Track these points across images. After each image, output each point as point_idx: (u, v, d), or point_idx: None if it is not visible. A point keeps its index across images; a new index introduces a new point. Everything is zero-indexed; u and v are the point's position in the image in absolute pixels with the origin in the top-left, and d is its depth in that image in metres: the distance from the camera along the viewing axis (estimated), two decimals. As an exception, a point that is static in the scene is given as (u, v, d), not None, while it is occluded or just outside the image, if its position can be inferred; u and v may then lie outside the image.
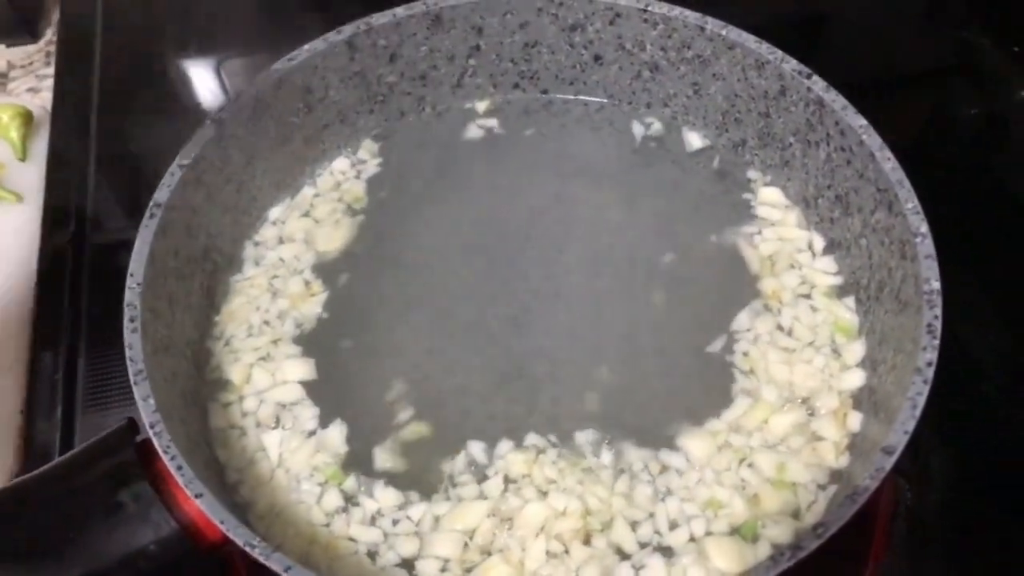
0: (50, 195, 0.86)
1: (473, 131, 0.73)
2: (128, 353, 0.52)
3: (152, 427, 0.49)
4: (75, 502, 0.49)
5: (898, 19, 1.01)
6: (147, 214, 0.57)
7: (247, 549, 0.45)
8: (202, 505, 0.46)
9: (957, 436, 0.68)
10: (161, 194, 0.58)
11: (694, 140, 0.71)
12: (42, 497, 0.49)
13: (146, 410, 0.50)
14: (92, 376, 0.75)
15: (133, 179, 0.89)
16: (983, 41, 0.99)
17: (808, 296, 0.63)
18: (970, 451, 0.68)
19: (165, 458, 0.48)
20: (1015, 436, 0.67)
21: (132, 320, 0.53)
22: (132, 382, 0.51)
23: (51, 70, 0.97)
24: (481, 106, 0.74)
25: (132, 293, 0.54)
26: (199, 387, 0.60)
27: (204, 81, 0.97)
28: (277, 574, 0.57)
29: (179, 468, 0.48)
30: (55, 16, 1.02)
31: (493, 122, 0.73)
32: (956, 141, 0.92)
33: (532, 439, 0.58)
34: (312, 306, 0.64)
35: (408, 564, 0.54)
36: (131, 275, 0.55)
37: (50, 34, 1.01)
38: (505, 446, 0.58)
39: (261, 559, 0.45)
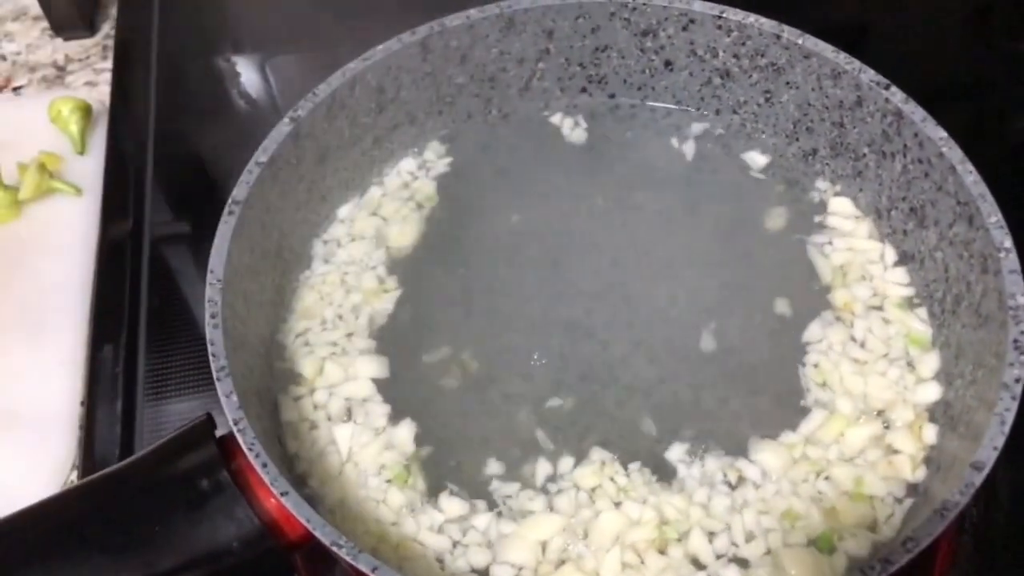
0: (109, 188, 0.87)
1: (538, 134, 0.73)
2: (211, 349, 0.52)
3: (236, 423, 0.49)
4: (159, 495, 0.49)
5: (945, 30, 1.00)
6: (226, 211, 0.57)
7: (334, 549, 0.45)
8: (288, 503, 0.46)
9: (1020, 453, 0.68)
10: (240, 191, 0.58)
11: (758, 156, 0.71)
12: (127, 490, 0.49)
13: (230, 406, 0.50)
14: (152, 369, 0.75)
15: (190, 172, 0.90)
16: (1035, 52, 0.98)
17: (880, 308, 0.63)
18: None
19: (250, 455, 0.48)
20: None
21: (214, 316, 0.53)
22: (216, 378, 0.51)
23: (108, 64, 0.98)
24: (547, 110, 0.74)
25: (213, 289, 0.54)
26: (271, 384, 0.61)
27: (251, 77, 0.98)
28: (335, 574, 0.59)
29: (264, 465, 0.48)
30: (112, 10, 1.03)
31: (558, 126, 0.73)
32: (1007, 152, 0.92)
33: (599, 452, 0.58)
34: (385, 302, 0.64)
35: (480, 572, 0.54)
36: (211, 271, 0.55)
37: (107, 28, 1.01)
38: (571, 459, 0.58)
39: (348, 559, 0.45)
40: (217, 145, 0.91)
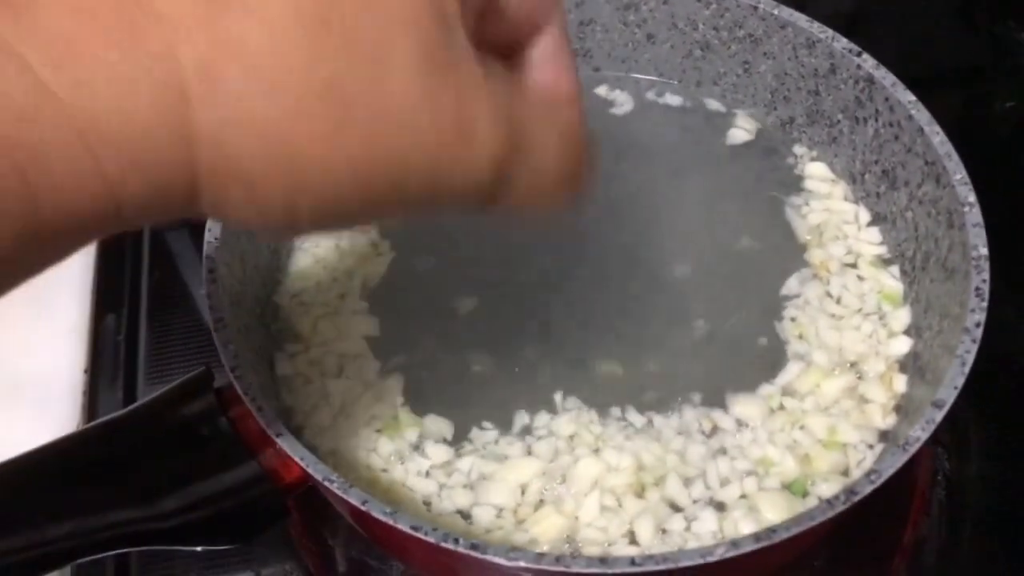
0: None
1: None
2: (209, 302, 0.54)
3: (233, 371, 0.51)
4: (161, 440, 0.51)
5: (933, 15, 1.02)
6: (223, 174, 0.59)
7: (326, 483, 0.47)
8: (283, 444, 0.49)
9: (994, 409, 0.70)
10: (236, 155, 0.60)
11: (742, 123, 0.73)
12: (129, 435, 0.51)
13: (227, 355, 0.52)
14: (153, 339, 0.78)
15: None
16: (1019, 36, 1.00)
17: (854, 266, 0.65)
18: (1007, 423, 0.70)
19: (246, 399, 0.50)
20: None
21: (211, 271, 0.55)
22: (213, 329, 0.53)
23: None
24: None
25: (210, 247, 0.56)
26: (266, 342, 0.63)
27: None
28: (332, 518, 0.61)
29: (259, 409, 0.50)
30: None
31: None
32: (991, 136, 0.94)
33: (574, 402, 0.60)
34: (378, 266, 0.66)
35: (464, 513, 0.57)
36: (209, 230, 0.57)
37: None
38: (553, 407, 0.60)
39: (339, 492, 0.47)
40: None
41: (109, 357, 0.77)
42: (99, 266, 0.82)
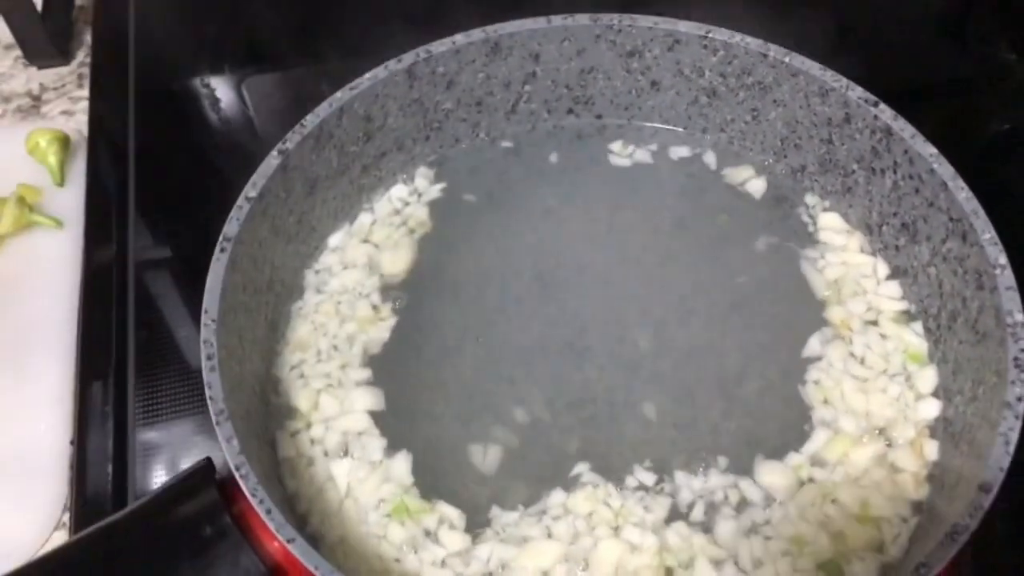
0: (90, 220, 0.85)
1: (527, 157, 0.73)
2: (208, 393, 0.51)
3: (238, 469, 0.48)
4: (162, 544, 0.48)
5: (923, 33, 1.01)
6: (218, 248, 0.56)
7: (343, 596, 0.44)
8: (295, 551, 0.46)
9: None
10: (231, 227, 0.57)
11: (747, 173, 0.71)
12: (129, 539, 0.48)
13: (231, 452, 0.49)
14: (142, 398, 0.74)
15: (173, 199, 0.89)
16: (1010, 56, 0.99)
17: (875, 323, 0.63)
18: None
19: (254, 501, 0.47)
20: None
21: (210, 358, 0.52)
22: (215, 422, 0.50)
23: (84, 92, 0.96)
24: (535, 132, 0.74)
25: (208, 330, 0.53)
26: (267, 421, 0.60)
27: (228, 97, 0.97)
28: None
29: (268, 511, 0.47)
30: (87, 37, 1.01)
31: (546, 148, 0.73)
32: (982, 155, 0.93)
33: (591, 476, 0.58)
34: (380, 330, 0.64)
35: (486, 604, 0.54)
36: (206, 311, 0.54)
37: (82, 55, 1.00)
38: (566, 485, 0.58)
39: (359, 606, 0.44)
40: (198, 168, 0.90)
41: (97, 426, 0.73)
42: (83, 330, 0.78)
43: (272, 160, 0.61)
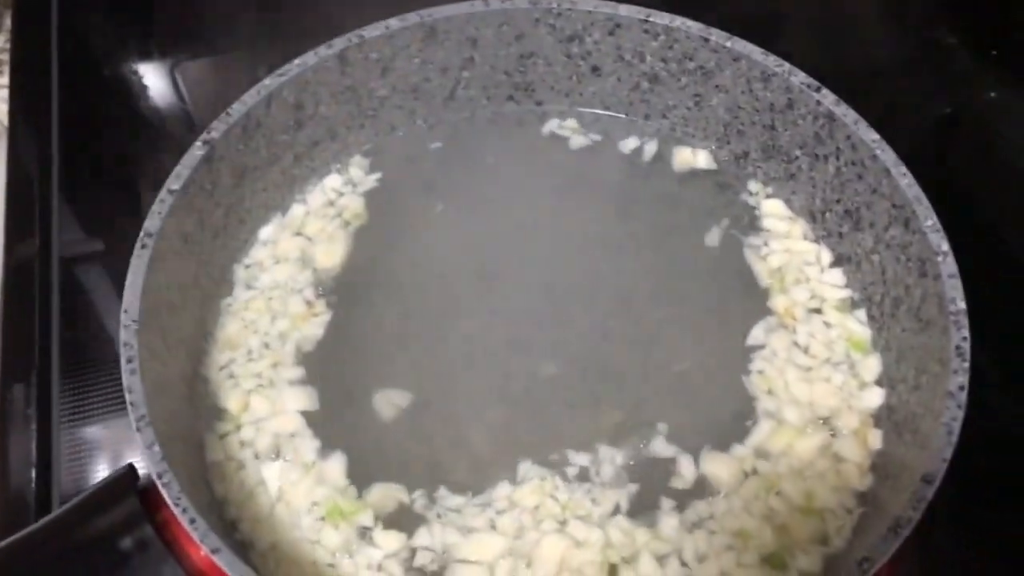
0: (12, 212, 0.82)
1: (466, 145, 0.71)
2: (129, 397, 0.48)
3: (160, 477, 0.46)
4: (79, 557, 0.46)
5: (862, 19, 1.01)
6: (138, 244, 0.54)
7: (271, 609, 0.42)
8: (220, 561, 0.44)
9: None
10: (152, 222, 0.55)
11: (691, 156, 0.69)
12: (43, 552, 0.46)
13: (152, 459, 0.47)
14: (67, 398, 0.71)
15: (99, 188, 0.85)
16: (950, 41, 0.99)
17: (819, 311, 0.62)
18: (968, 449, 0.67)
19: (176, 510, 0.45)
20: (1007, 436, 0.66)
21: (130, 361, 0.50)
22: (135, 428, 0.47)
23: (4, 79, 0.92)
24: (474, 119, 0.72)
25: (128, 332, 0.50)
26: (195, 423, 0.57)
27: (160, 83, 0.93)
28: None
29: (192, 521, 0.45)
30: (6, 20, 0.97)
31: (486, 135, 0.71)
32: (922, 140, 0.92)
33: (537, 470, 0.56)
34: (314, 327, 0.61)
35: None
36: (125, 311, 0.51)
37: (1, 40, 0.96)
38: (510, 478, 0.56)
39: (287, 619, 0.42)
40: (127, 157, 0.87)
41: (19, 431, 0.70)
42: (3, 329, 0.75)
43: (196, 151, 0.58)
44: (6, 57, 0.94)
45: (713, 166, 0.69)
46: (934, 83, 0.95)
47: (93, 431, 0.70)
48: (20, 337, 0.74)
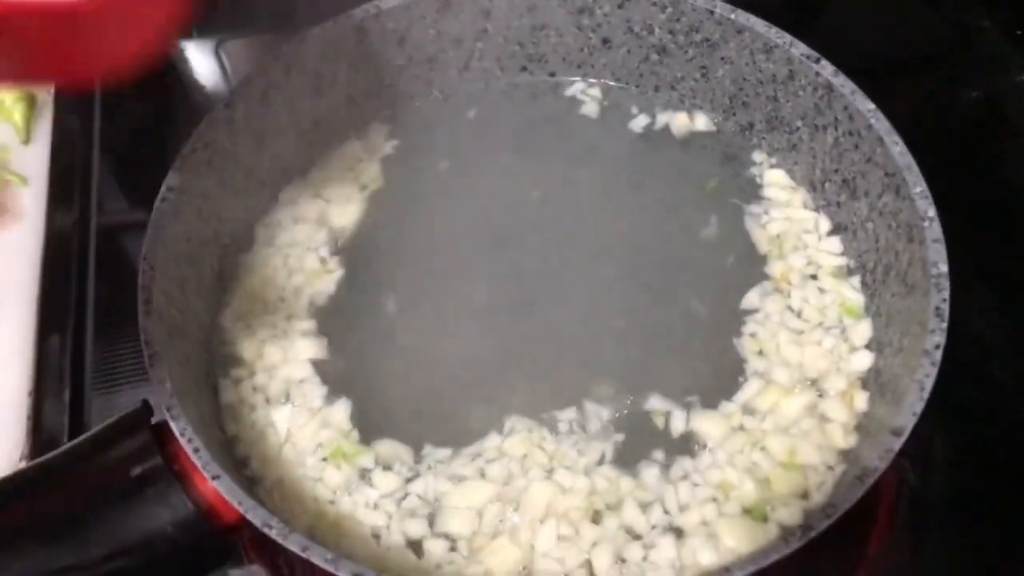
0: (55, 178, 0.86)
1: (481, 114, 0.73)
2: (143, 337, 0.52)
3: (169, 410, 0.49)
4: (93, 483, 0.49)
5: (898, 3, 1.01)
6: (159, 198, 0.57)
7: (265, 530, 0.45)
8: (219, 487, 0.47)
9: (961, 418, 0.69)
10: (173, 178, 0.58)
11: (700, 123, 0.71)
12: (60, 478, 0.49)
13: (162, 393, 0.50)
14: (100, 358, 0.75)
15: (137, 159, 0.89)
16: (983, 24, 0.99)
17: (815, 277, 0.64)
18: (974, 433, 0.69)
19: (182, 440, 0.48)
20: (1018, 418, 0.68)
21: (146, 303, 0.53)
22: (148, 364, 0.51)
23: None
24: (488, 90, 0.74)
25: (145, 277, 0.54)
26: (211, 368, 0.61)
27: (204, 61, 0.97)
28: (284, 553, 0.59)
29: (196, 450, 0.48)
30: (56, -3, 1.01)
31: (501, 106, 0.74)
32: (956, 124, 0.93)
33: (525, 421, 0.59)
34: (327, 283, 0.65)
35: (415, 546, 0.55)
36: (144, 259, 0.55)
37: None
38: (507, 427, 0.59)
39: (279, 539, 0.45)
40: (164, 130, 0.91)
41: (54, 378, 0.74)
42: (43, 284, 0.79)
43: (218, 113, 0.61)
44: None
45: (712, 128, 0.70)
46: (969, 66, 0.95)
47: (125, 392, 0.73)
48: (58, 292, 0.78)
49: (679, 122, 0.71)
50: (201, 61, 0.97)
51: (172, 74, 0.96)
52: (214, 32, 0.98)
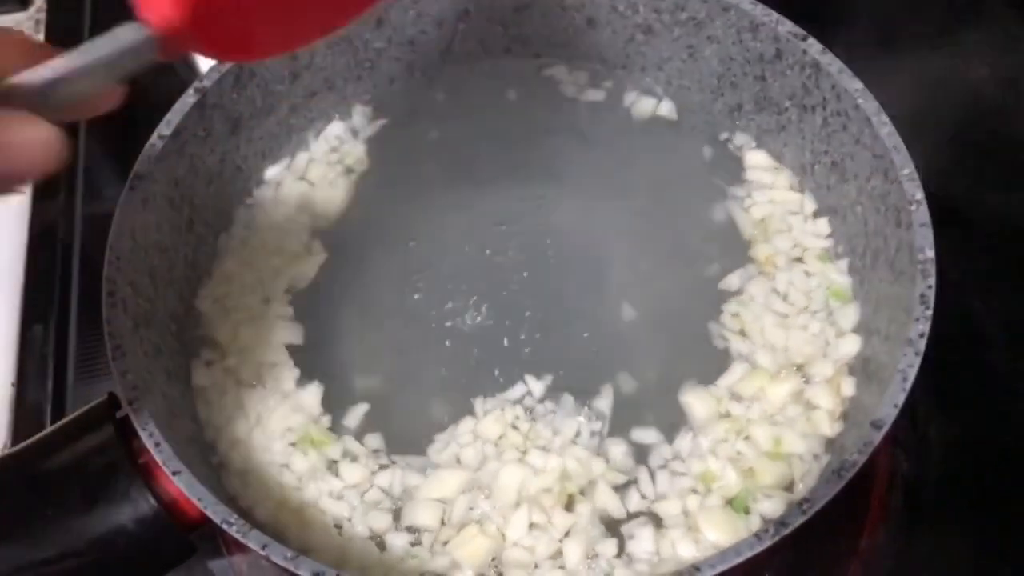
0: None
1: (464, 96, 0.72)
2: (107, 328, 0.51)
3: (130, 404, 0.48)
4: (52, 481, 0.48)
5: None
6: (127, 187, 0.56)
7: (224, 527, 0.44)
8: (180, 483, 0.46)
9: (956, 408, 0.67)
10: (141, 166, 0.57)
11: (685, 105, 0.70)
12: (18, 477, 0.48)
13: (124, 386, 0.49)
14: (84, 347, 0.75)
15: (123, 147, 0.88)
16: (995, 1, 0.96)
17: (801, 260, 0.62)
18: (969, 423, 0.67)
19: (143, 435, 0.47)
20: (1015, 406, 0.66)
21: (111, 295, 0.52)
22: (110, 357, 0.50)
23: (41, 38, 0.96)
24: (472, 72, 0.72)
25: (111, 268, 0.53)
26: (184, 356, 0.60)
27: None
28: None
29: (157, 445, 0.47)
30: (40, -15, 1.00)
31: (484, 87, 0.72)
32: (966, 101, 0.90)
33: (494, 402, 0.58)
34: (308, 267, 0.63)
35: (378, 539, 0.54)
36: (110, 249, 0.54)
37: (39, 1, 0.99)
38: (482, 410, 0.58)
39: (239, 537, 0.44)
40: (153, 119, 0.90)
41: (37, 369, 0.74)
42: (28, 273, 0.78)
43: (188, 98, 0.60)
44: (43, 16, 0.98)
45: (697, 110, 0.69)
46: (984, 43, 0.93)
47: (108, 386, 0.73)
48: (42, 282, 0.78)
49: (664, 104, 0.69)
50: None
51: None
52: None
